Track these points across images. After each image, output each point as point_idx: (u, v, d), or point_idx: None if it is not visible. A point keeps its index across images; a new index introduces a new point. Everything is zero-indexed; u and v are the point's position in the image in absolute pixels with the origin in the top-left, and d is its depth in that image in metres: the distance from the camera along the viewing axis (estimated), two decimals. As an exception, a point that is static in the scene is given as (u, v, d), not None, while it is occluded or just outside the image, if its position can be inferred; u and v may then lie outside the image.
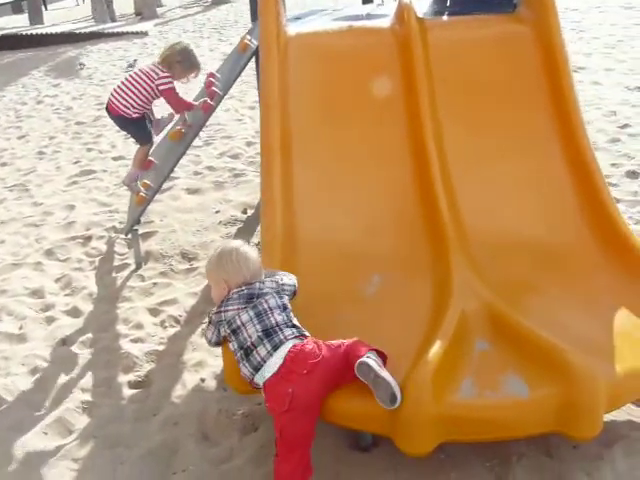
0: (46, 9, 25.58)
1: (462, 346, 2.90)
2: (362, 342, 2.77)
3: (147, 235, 5.55)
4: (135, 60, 14.89)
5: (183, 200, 6.34)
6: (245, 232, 5.44)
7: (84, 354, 4.10)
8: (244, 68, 5.09)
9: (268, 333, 2.77)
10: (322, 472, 2.95)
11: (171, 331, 4.24)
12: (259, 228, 4.73)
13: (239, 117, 9.19)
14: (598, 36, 12.11)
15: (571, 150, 3.85)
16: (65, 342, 4.25)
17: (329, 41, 4.33)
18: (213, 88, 4.98)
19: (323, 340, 2.80)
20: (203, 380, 3.73)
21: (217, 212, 5.95)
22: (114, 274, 5.07)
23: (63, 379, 3.87)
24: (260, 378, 2.73)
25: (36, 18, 23.84)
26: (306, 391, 2.63)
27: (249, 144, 7.85)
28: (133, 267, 5.12)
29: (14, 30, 20.63)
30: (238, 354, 2.80)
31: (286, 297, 2.96)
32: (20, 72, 14.87)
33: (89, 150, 8.46)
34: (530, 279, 3.38)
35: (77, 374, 3.91)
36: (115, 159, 7.97)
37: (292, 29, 4.37)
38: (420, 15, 4.38)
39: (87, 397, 3.70)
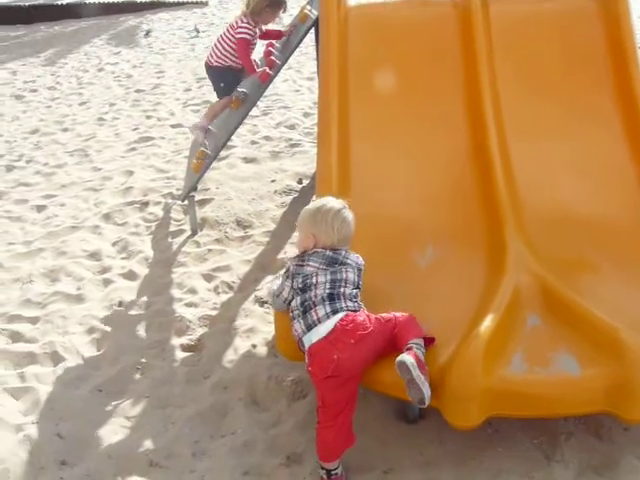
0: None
1: (514, 320, 2.89)
2: (412, 322, 2.78)
3: (203, 202, 5.61)
4: (197, 27, 15.01)
5: (240, 168, 6.39)
6: (300, 202, 5.45)
7: (139, 316, 4.19)
8: (303, 38, 5.10)
9: (332, 297, 2.80)
10: (368, 441, 3.00)
11: (224, 297, 4.30)
12: (314, 198, 4.74)
13: (297, 88, 9.19)
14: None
15: (632, 126, 3.77)
16: (121, 304, 4.35)
17: (389, 12, 4.29)
18: (272, 57, 4.99)
19: (375, 313, 2.82)
20: (254, 346, 3.78)
21: (273, 181, 5.99)
22: (170, 239, 5.16)
23: (118, 340, 3.96)
24: (308, 340, 2.75)
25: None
26: (351, 360, 2.65)
27: (306, 115, 7.86)
28: (189, 233, 5.19)
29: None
30: (296, 311, 2.83)
31: (361, 277, 2.95)
32: (82, 40, 15.06)
33: (148, 117, 8.56)
34: (585, 255, 3.33)
35: (132, 335, 4.01)
36: (173, 126, 8.05)
37: (352, 0, 4.34)
38: (482, -13, 4.30)
39: (141, 358, 3.78)
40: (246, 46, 4.98)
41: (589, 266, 3.28)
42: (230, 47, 5.05)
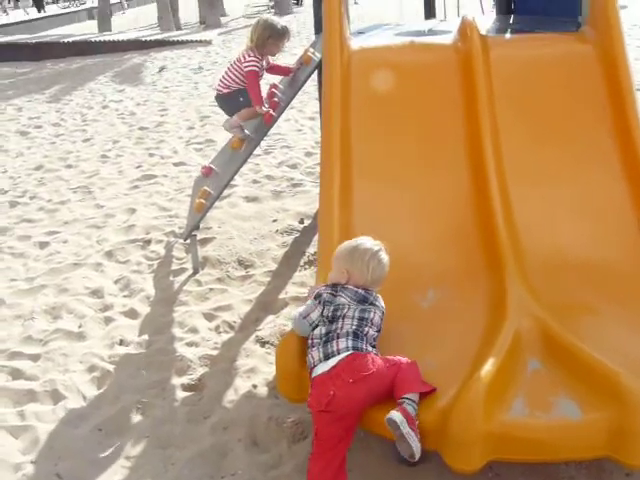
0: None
1: (515, 365, 2.89)
2: (413, 372, 2.80)
3: (205, 241, 5.64)
4: (163, 67, 15.32)
5: (241, 208, 6.43)
6: (301, 242, 5.49)
7: (140, 355, 4.19)
8: (307, 80, 5.17)
9: (356, 335, 2.85)
10: (369, 483, 2.99)
11: (225, 336, 4.31)
12: (316, 238, 4.78)
13: (299, 127, 9.29)
14: (665, 55, 11.90)
15: (631, 170, 3.80)
16: (122, 342, 4.35)
17: (391, 56, 4.36)
18: (275, 99, 5.06)
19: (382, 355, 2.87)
20: (255, 386, 3.77)
21: (274, 221, 6.02)
22: (171, 278, 5.17)
23: (119, 378, 3.96)
24: (316, 371, 2.80)
25: (105, 25, 24.38)
26: (347, 398, 2.69)
27: (308, 154, 7.94)
28: (190, 272, 5.21)
29: (84, 37, 21.14)
30: (317, 339, 2.89)
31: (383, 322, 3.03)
32: (88, 77, 15.24)
33: (151, 155, 8.64)
34: (586, 299, 3.35)
35: (132, 374, 4.00)
36: (176, 164, 8.12)
37: (355, 43, 4.41)
38: (483, 32, 4.38)
39: (141, 397, 3.77)
40: (255, 78, 5.06)
41: (590, 310, 3.30)
42: (239, 75, 5.13)
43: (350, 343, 2.81)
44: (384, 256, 3.09)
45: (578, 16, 4.40)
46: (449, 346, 3.05)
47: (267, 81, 5.45)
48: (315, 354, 2.85)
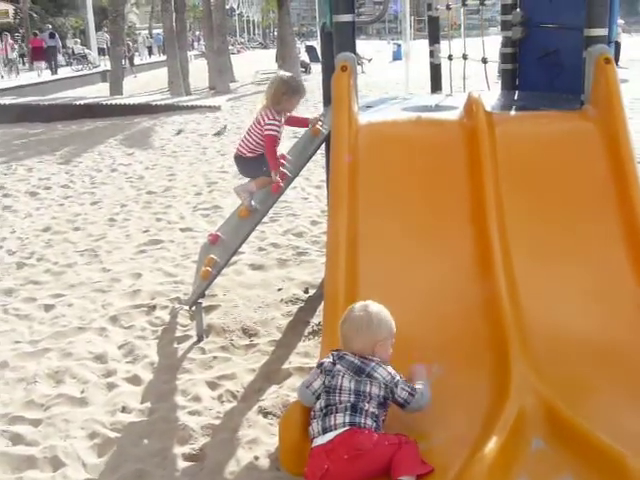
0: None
1: (518, 443, 2.89)
2: (412, 453, 2.79)
3: (210, 308, 5.66)
4: (181, 130, 15.83)
5: (247, 275, 6.47)
6: (306, 312, 5.50)
7: (142, 423, 4.17)
8: (315, 152, 5.26)
9: (355, 409, 2.85)
10: None
11: (228, 406, 4.29)
12: (321, 308, 4.79)
13: (305, 195, 9.39)
14: (667, 129, 12.04)
15: (635, 246, 3.84)
16: (124, 409, 4.33)
17: (398, 131, 4.46)
18: (283, 169, 5.14)
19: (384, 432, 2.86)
20: (257, 458, 3.74)
21: (279, 290, 6.05)
22: (175, 345, 5.18)
23: (120, 446, 3.93)
24: (316, 441, 2.82)
25: (116, 89, 24.86)
26: (341, 474, 2.71)
27: (314, 223, 8.01)
28: (194, 339, 5.21)
29: (95, 100, 21.54)
30: (319, 412, 2.91)
31: (390, 398, 2.97)
32: (97, 140, 15.48)
33: (158, 220, 8.72)
34: (590, 377, 3.35)
35: (134, 442, 3.98)
36: (182, 230, 8.19)
37: (363, 117, 4.51)
38: (488, 108, 4.47)
39: (142, 466, 3.74)
40: (273, 143, 5.08)
41: (594, 389, 3.30)
42: (260, 140, 5.15)
43: (347, 419, 2.81)
44: (354, 313, 3.10)
45: (581, 94, 4.49)
46: (452, 423, 3.05)
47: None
48: (315, 426, 2.87)
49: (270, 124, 5.06)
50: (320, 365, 3.03)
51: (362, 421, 2.82)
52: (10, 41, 38.13)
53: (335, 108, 4.37)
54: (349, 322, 3.10)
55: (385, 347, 3.08)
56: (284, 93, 5.09)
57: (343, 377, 2.92)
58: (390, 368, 3.01)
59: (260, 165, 5.23)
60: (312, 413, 2.95)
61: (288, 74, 5.37)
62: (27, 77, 34.02)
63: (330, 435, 2.79)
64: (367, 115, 4.66)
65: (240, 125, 16.26)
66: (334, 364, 2.99)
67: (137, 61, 44.01)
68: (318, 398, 2.99)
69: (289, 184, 5.18)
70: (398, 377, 3.00)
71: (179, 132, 15.95)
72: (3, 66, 35.01)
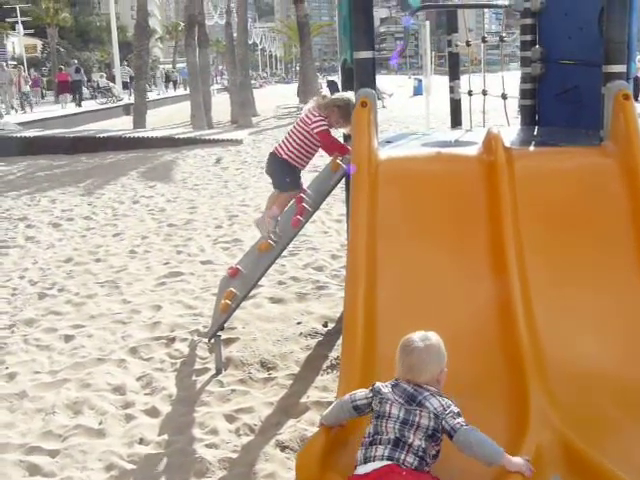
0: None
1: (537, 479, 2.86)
2: None
3: (229, 341, 5.67)
4: (220, 159, 16.30)
5: (266, 309, 6.48)
6: (325, 346, 5.50)
7: (159, 455, 4.17)
8: (334, 187, 5.29)
9: (397, 443, 2.80)
10: None
11: (245, 439, 4.28)
12: (339, 342, 4.79)
13: (325, 229, 9.42)
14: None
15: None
16: (142, 441, 4.34)
17: (418, 166, 4.48)
18: (303, 204, 5.17)
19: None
20: (273, 493, 3.74)
21: (299, 323, 6.05)
22: (194, 377, 5.18)
23: (137, 478, 3.93)
24: (358, 470, 2.80)
25: (140, 121, 25.18)
26: None
27: (334, 257, 8.01)
28: (213, 372, 5.21)
29: (119, 132, 21.82)
30: (367, 439, 2.88)
31: (440, 429, 2.85)
32: (120, 172, 15.66)
33: (179, 252, 8.78)
34: (609, 413, 3.32)
35: (151, 475, 3.98)
36: (203, 263, 8.23)
37: (383, 153, 4.53)
38: (508, 144, 4.49)
39: (159, 499, 3.75)
40: (328, 135, 5.07)
41: (613, 424, 3.27)
42: (301, 142, 5.15)
43: (387, 452, 2.77)
44: (418, 343, 2.99)
45: (600, 130, 4.50)
46: (471, 460, 3.02)
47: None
48: (359, 454, 2.85)
49: (317, 120, 5.05)
50: (373, 386, 3.00)
51: (402, 457, 2.75)
52: (24, 74, 38.42)
53: (355, 143, 4.40)
54: (417, 352, 2.98)
55: (444, 376, 3.03)
56: (339, 106, 5.06)
57: (392, 405, 2.88)
58: (445, 399, 2.90)
59: (285, 175, 5.25)
60: (363, 439, 2.91)
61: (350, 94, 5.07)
62: (52, 110, 34.55)
63: (369, 467, 2.76)
64: (387, 150, 4.69)
65: (261, 159, 16.38)
66: (385, 388, 2.96)
67: (155, 95, 44.54)
68: (355, 409, 2.98)
69: (309, 218, 5.20)
70: (452, 409, 2.87)
71: (218, 161, 16.19)
72: (16, 100, 35.38)
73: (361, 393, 3.03)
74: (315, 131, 5.11)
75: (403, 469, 2.75)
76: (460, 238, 4.08)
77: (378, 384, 3.01)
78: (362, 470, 2.78)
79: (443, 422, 2.83)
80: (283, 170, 5.34)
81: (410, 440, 2.80)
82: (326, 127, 5.09)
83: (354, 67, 4.64)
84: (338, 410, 3.08)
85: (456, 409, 2.89)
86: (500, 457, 2.80)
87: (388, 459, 2.76)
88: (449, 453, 2.95)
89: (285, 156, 5.25)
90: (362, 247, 3.99)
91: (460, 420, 2.85)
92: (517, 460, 2.81)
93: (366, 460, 2.79)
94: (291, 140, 5.22)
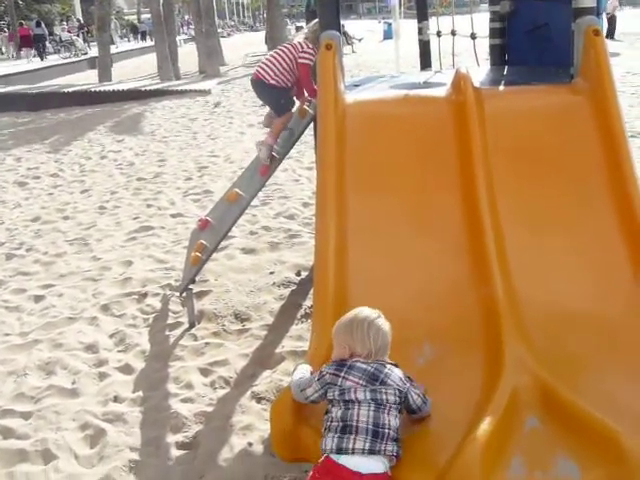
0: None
1: (512, 423, 2.84)
2: None
3: (201, 294, 5.61)
4: (218, 103, 16.54)
5: (238, 260, 6.41)
6: (298, 295, 5.45)
7: (134, 412, 4.13)
8: (302, 133, 5.19)
9: (376, 434, 2.66)
10: None
11: (221, 392, 4.26)
12: (312, 291, 4.74)
13: (296, 177, 9.32)
14: (659, 101, 12.04)
15: (626, 220, 3.79)
16: (116, 399, 4.29)
17: (385, 109, 4.38)
18: (272, 152, 5.07)
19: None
20: (250, 444, 3.71)
21: (271, 273, 6.00)
22: (167, 332, 5.13)
23: (112, 436, 3.89)
24: (333, 456, 2.65)
25: (105, 75, 24.65)
26: None
27: (305, 205, 7.94)
28: (186, 326, 5.16)
29: (84, 87, 21.37)
30: (335, 423, 2.71)
31: (403, 404, 2.81)
32: (87, 127, 15.37)
33: (149, 206, 8.66)
34: (584, 354, 3.29)
35: (126, 432, 3.94)
36: (173, 216, 8.13)
37: (350, 96, 4.43)
38: (477, 84, 4.40)
39: (135, 456, 3.71)
40: (309, 71, 5.00)
41: (589, 364, 3.24)
42: (289, 67, 5.07)
43: (367, 445, 2.63)
44: (384, 322, 2.92)
45: (571, 67, 4.42)
46: (445, 405, 2.99)
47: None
48: (329, 442, 2.67)
49: (307, 52, 4.97)
50: (322, 377, 2.83)
51: (383, 448, 2.64)
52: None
53: (320, 87, 4.28)
54: (388, 330, 2.92)
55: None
56: None
57: (356, 390, 2.73)
58: (401, 372, 2.85)
59: (280, 97, 5.16)
60: (326, 423, 2.74)
61: None
62: (14, 65, 33.77)
63: (352, 462, 2.61)
64: (354, 93, 4.58)
65: (230, 108, 16.15)
66: (338, 376, 2.78)
67: (118, 48, 43.44)
68: (332, 407, 2.79)
69: (277, 165, 5.11)
70: (410, 382, 2.84)
71: (217, 105, 16.23)
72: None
73: (310, 389, 2.85)
74: (299, 61, 5.02)
75: (383, 471, 2.65)
76: (430, 180, 4.01)
77: (325, 372, 2.83)
78: (344, 461, 2.62)
79: (408, 395, 2.80)
80: (275, 94, 5.22)
81: (386, 423, 2.69)
82: (310, 63, 4.99)
83: (317, 9, 4.51)
84: (298, 398, 2.94)
85: (409, 376, 2.88)
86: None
87: (370, 453, 2.62)
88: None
89: (273, 81, 5.13)
90: (332, 193, 3.92)
91: (421, 396, 2.86)
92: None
93: (340, 451, 2.63)
94: (277, 64, 5.11)
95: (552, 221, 3.85)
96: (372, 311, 2.95)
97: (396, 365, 2.88)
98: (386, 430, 2.68)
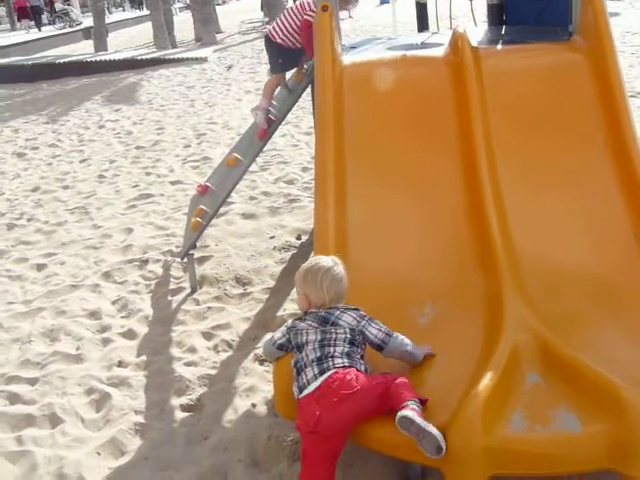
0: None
1: (513, 379, 2.87)
2: (405, 385, 2.74)
3: (202, 259, 5.63)
4: (231, 65, 16.99)
5: (238, 225, 6.42)
6: (299, 258, 5.46)
7: (138, 376, 4.17)
8: (300, 96, 5.17)
9: (320, 359, 2.81)
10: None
11: (224, 355, 4.29)
12: (311, 255, 4.76)
13: (295, 143, 9.29)
14: (659, 61, 11.96)
15: (626, 178, 3.78)
16: (120, 364, 4.33)
17: (383, 70, 4.35)
18: (270, 116, 5.06)
19: (375, 370, 2.85)
20: (254, 405, 3.75)
21: (272, 237, 6.01)
22: (169, 297, 5.15)
23: (117, 400, 3.93)
24: (302, 394, 2.78)
25: (100, 45, 24.45)
26: (333, 418, 2.66)
27: (304, 169, 7.92)
28: (188, 291, 5.19)
29: (80, 57, 21.22)
30: (294, 372, 2.86)
31: (359, 338, 2.92)
32: (84, 97, 15.29)
33: (148, 174, 8.65)
34: (584, 310, 3.32)
35: (131, 396, 3.98)
36: (172, 183, 8.13)
37: (347, 58, 4.41)
38: (474, 44, 4.37)
39: (140, 419, 3.76)
40: (310, 30, 4.94)
41: (588, 321, 3.27)
42: (295, 27, 5.12)
43: (316, 369, 2.78)
44: (338, 271, 3.04)
45: (569, 25, 4.39)
46: (447, 362, 3.03)
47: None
48: (295, 388, 2.83)
49: (314, 11, 4.90)
50: (288, 323, 3.06)
51: (330, 364, 2.77)
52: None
53: (317, 49, 4.26)
54: (344, 278, 3.06)
55: None
56: None
57: (307, 332, 2.91)
58: (356, 312, 2.98)
59: (279, 56, 5.24)
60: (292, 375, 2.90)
61: None
62: (9, 36, 33.50)
63: (312, 385, 2.74)
64: (351, 56, 4.56)
65: (227, 76, 16.04)
66: (299, 321, 2.99)
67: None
68: (280, 349, 3.01)
69: (275, 129, 5.10)
70: (366, 319, 2.96)
71: (230, 67, 16.60)
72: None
73: (279, 333, 3.05)
74: (304, 17, 5.06)
75: (347, 370, 2.76)
76: (429, 140, 4.02)
77: (291, 320, 3.06)
78: (305, 392, 2.75)
79: (363, 330, 2.92)
80: (277, 52, 5.27)
81: (331, 350, 2.83)
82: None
83: (313, -30, 4.47)
84: (269, 352, 3.13)
85: (367, 315, 2.98)
86: (420, 352, 3.01)
87: (320, 374, 2.75)
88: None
89: (279, 40, 5.20)
90: (330, 156, 3.91)
91: (383, 330, 2.95)
92: (423, 347, 3.05)
93: (301, 389, 2.77)
94: (286, 23, 5.18)
95: (551, 180, 3.85)
96: (327, 260, 3.10)
97: (355, 309, 3.00)
98: (331, 354, 2.81)
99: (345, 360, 2.81)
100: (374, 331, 2.94)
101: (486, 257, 3.48)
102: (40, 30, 36.37)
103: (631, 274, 3.50)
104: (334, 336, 2.87)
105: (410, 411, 2.56)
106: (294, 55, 5.24)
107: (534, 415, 2.71)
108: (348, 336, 2.89)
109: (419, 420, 2.53)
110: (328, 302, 3.00)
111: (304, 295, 3.03)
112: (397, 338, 2.96)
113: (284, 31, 5.15)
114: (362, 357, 2.92)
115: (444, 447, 2.52)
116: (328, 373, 2.75)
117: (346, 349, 2.85)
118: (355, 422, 2.71)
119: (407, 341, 2.98)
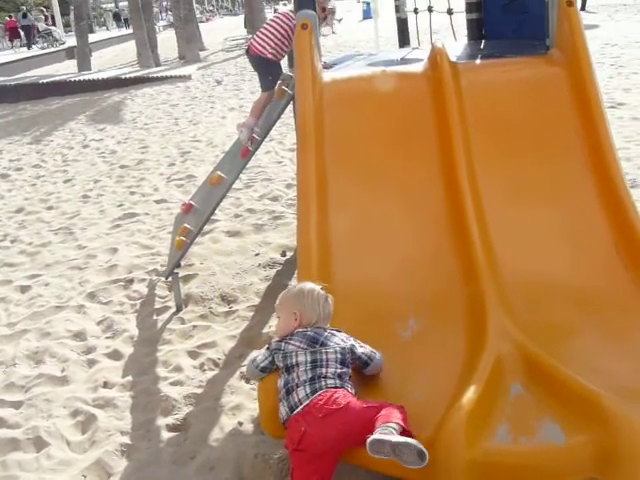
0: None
1: (497, 390, 2.88)
2: (394, 412, 2.67)
3: (188, 278, 5.62)
4: (220, 81, 17.30)
5: (223, 243, 6.42)
6: (284, 275, 5.47)
7: (124, 397, 4.15)
8: (282, 113, 5.19)
9: (313, 379, 2.82)
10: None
11: (210, 374, 4.28)
12: (296, 273, 4.76)
13: (279, 159, 9.31)
14: (637, 71, 12.06)
15: (605, 188, 3.82)
16: (106, 385, 4.31)
17: (363, 86, 4.39)
18: (253, 134, 5.07)
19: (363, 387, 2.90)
20: (240, 424, 3.74)
21: (257, 255, 6.01)
22: (155, 317, 5.14)
23: (103, 422, 3.91)
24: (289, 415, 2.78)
25: (84, 64, 24.45)
26: (317, 434, 2.64)
27: (289, 186, 7.93)
28: (173, 310, 5.18)
29: (63, 77, 21.21)
30: (282, 393, 2.85)
31: (348, 357, 2.95)
32: (67, 117, 15.28)
33: (132, 193, 8.64)
34: (565, 322, 3.35)
35: (117, 417, 3.96)
36: (157, 202, 8.12)
37: (327, 75, 4.44)
38: (453, 58, 4.42)
39: (126, 440, 3.73)
40: None
41: (571, 332, 3.30)
42: (284, 34, 5.02)
43: (308, 389, 2.78)
44: (323, 293, 3.14)
45: (546, 38, 4.44)
46: (431, 375, 3.04)
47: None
48: (282, 409, 2.82)
49: None
50: (269, 345, 3.06)
51: (322, 384, 2.78)
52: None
53: (298, 67, 4.29)
54: (331, 301, 3.15)
55: None
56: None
57: (297, 354, 2.91)
58: (342, 334, 3.04)
59: (269, 74, 5.17)
60: (279, 396, 2.89)
61: None
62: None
63: (302, 405, 2.74)
64: (331, 72, 4.59)
65: (211, 94, 16.06)
66: (282, 342, 2.99)
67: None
68: (263, 372, 3.02)
69: (257, 147, 5.11)
70: (352, 339, 3.03)
71: (219, 82, 16.98)
72: None
73: (260, 356, 3.05)
74: (294, 22, 4.88)
75: (337, 389, 2.77)
76: (409, 155, 4.04)
77: (272, 342, 3.06)
78: (294, 412, 2.76)
79: (353, 348, 2.98)
80: (268, 70, 5.21)
81: (323, 371, 2.85)
82: None
83: (292, -13, 4.50)
84: (252, 375, 3.15)
85: (352, 337, 3.06)
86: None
87: (312, 393, 2.76)
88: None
89: (270, 55, 5.09)
90: (311, 172, 3.93)
91: (368, 348, 3.04)
92: None
93: (292, 409, 2.76)
94: (271, 36, 5.06)
95: (531, 192, 3.89)
96: (315, 284, 3.18)
97: (339, 330, 3.06)
98: (323, 375, 2.83)
99: (337, 381, 2.82)
100: (361, 349, 3.01)
101: (468, 269, 3.50)
102: (30, 49, 36.54)
103: (612, 283, 3.53)
104: (325, 357, 2.89)
105: (378, 434, 2.50)
106: (279, 68, 5.24)
107: (518, 426, 2.72)
108: (339, 356, 2.91)
109: (388, 437, 2.47)
110: (319, 320, 3.05)
111: (294, 314, 3.05)
112: (377, 354, 3.05)
113: (274, 41, 5.04)
114: (350, 378, 2.92)
115: (425, 450, 2.47)
116: (319, 392, 2.75)
117: (338, 370, 2.86)
118: (344, 442, 2.68)
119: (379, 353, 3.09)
